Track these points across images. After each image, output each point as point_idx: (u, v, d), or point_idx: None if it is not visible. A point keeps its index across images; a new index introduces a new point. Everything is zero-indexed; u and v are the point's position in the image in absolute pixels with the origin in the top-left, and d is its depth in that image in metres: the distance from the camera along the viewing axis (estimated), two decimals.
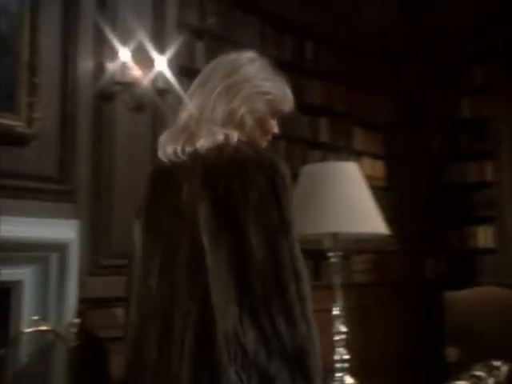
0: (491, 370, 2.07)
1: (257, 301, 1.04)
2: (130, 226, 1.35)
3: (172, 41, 3.14)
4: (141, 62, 2.90)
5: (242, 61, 1.29)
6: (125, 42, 2.84)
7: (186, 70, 3.58)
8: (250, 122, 1.22)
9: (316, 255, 4.56)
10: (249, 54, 1.32)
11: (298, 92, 5.40)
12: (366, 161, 5.10)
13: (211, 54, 3.85)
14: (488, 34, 5.02)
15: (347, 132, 5.07)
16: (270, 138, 1.30)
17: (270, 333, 1.04)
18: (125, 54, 2.81)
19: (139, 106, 2.92)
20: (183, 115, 1.26)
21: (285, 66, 5.15)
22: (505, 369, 2.08)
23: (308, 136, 4.72)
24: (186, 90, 3.43)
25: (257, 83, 1.25)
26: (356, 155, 4.91)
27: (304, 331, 1.05)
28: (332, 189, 2.00)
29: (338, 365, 2.07)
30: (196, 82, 1.31)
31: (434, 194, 5.39)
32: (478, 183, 5.24)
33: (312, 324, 1.07)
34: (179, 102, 3.30)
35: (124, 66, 2.82)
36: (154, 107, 2.99)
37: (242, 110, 1.21)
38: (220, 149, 1.15)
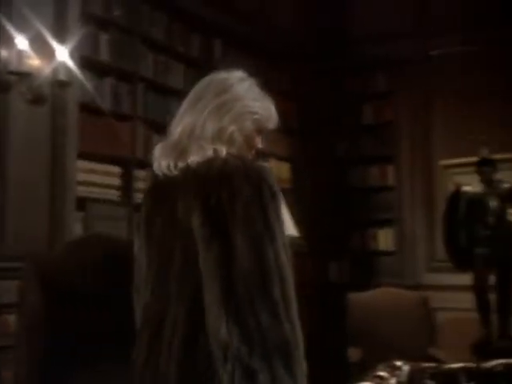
0: (394, 370, 2.12)
1: (242, 303, 1.13)
2: (28, 225, 1.28)
3: (74, 31, 3.00)
4: (40, 51, 2.76)
5: (232, 80, 1.38)
6: (22, 29, 2.68)
7: (89, 62, 3.44)
8: (239, 138, 1.32)
9: None
10: (239, 74, 1.42)
11: None
12: (272, 162, 5.14)
13: (116, 47, 3.74)
14: (390, 41, 5.22)
15: None
16: (254, 152, 1.41)
17: (254, 329, 1.11)
18: (21, 41, 2.65)
19: (38, 97, 2.77)
20: (177, 131, 1.34)
21: (193, 64, 5.05)
22: (406, 368, 2.14)
23: None
24: (88, 81, 3.32)
25: (246, 103, 1.35)
26: (262, 157, 4.93)
27: (288, 328, 1.13)
28: None
29: None
30: (188, 99, 1.38)
31: (338, 197, 5.54)
32: (379, 187, 5.44)
33: (296, 323, 1.16)
34: (82, 93, 3.17)
35: (21, 54, 2.65)
36: (54, 99, 2.84)
37: (232, 128, 1.31)
38: (210, 162, 1.24)
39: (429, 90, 5.18)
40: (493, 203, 4.24)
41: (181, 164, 1.28)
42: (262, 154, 4.97)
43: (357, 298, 3.95)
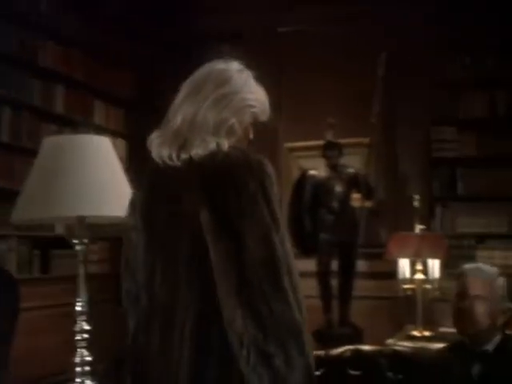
0: None
1: (255, 293, 1.28)
2: None
3: None
4: None
5: (231, 72, 1.51)
6: None
7: None
8: (238, 130, 1.47)
9: (43, 244, 4.32)
10: (236, 65, 1.54)
11: (30, 52, 4.92)
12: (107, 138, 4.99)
13: None
14: (238, 16, 5.29)
15: (86, 105, 4.89)
16: (246, 143, 1.55)
17: (268, 317, 1.28)
18: None
19: None
20: (176, 120, 1.46)
21: (15, 18, 4.67)
22: None
23: (39, 105, 4.43)
24: None
25: (244, 96, 1.49)
26: (95, 131, 4.75)
27: (296, 313, 1.31)
28: (81, 165, 1.89)
29: (78, 368, 2.01)
30: (186, 89, 1.51)
31: None
32: None
33: (302, 307, 1.33)
34: None
35: None
36: None
37: (233, 120, 1.46)
38: (213, 155, 1.39)
39: (276, 68, 5.32)
40: (337, 188, 4.49)
41: (183, 155, 1.41)
42: (96, 129, 4.80)
43: None
